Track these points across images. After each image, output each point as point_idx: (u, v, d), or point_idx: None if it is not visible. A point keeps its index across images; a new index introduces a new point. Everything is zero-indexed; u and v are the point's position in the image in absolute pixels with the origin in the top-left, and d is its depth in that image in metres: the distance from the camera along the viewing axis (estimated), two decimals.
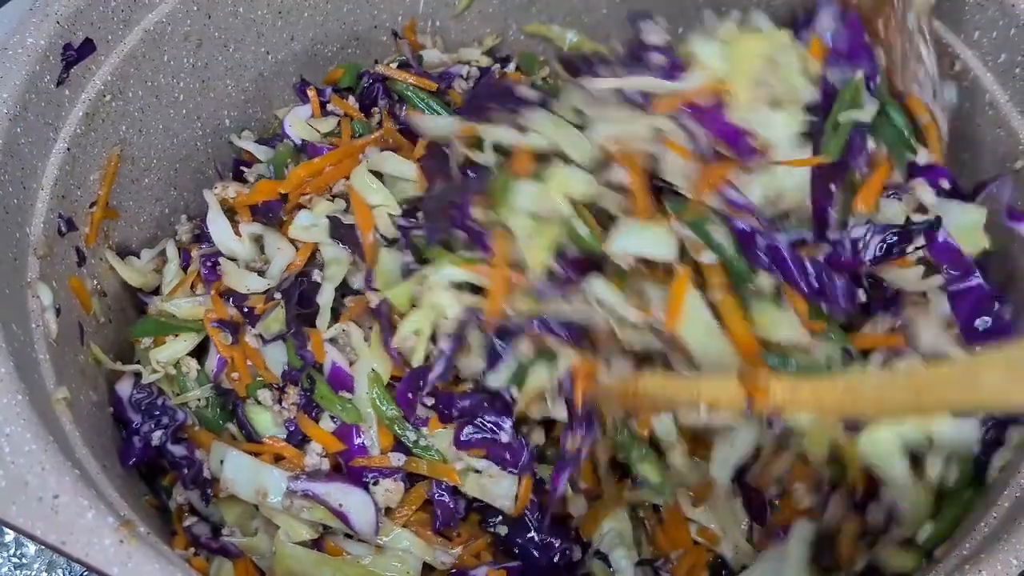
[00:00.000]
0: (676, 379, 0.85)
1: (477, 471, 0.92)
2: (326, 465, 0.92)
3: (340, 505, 0.88)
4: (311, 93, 1.16)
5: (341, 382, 0.93)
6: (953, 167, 1.07)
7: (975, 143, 1.04)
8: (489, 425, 0.91)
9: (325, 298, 0.98)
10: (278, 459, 0.93)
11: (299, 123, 1.13)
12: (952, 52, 1.04)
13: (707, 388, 0.79)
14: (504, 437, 0.91)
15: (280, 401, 0.95)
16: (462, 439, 0.91)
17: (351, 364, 0.94)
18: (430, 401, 0.93)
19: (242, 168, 1.16)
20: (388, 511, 0.91)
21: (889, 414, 0.79)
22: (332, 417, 0.93)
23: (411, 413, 0.92)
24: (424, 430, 0.93)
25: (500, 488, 0.91)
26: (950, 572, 0.78)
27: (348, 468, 0.92)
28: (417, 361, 0.92)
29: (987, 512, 0.84)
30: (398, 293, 0.93)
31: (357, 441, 0.92)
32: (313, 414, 0.94)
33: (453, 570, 0.91)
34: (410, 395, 0.92)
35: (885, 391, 0.70)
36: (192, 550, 0.92)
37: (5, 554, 1.07)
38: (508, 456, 0.91)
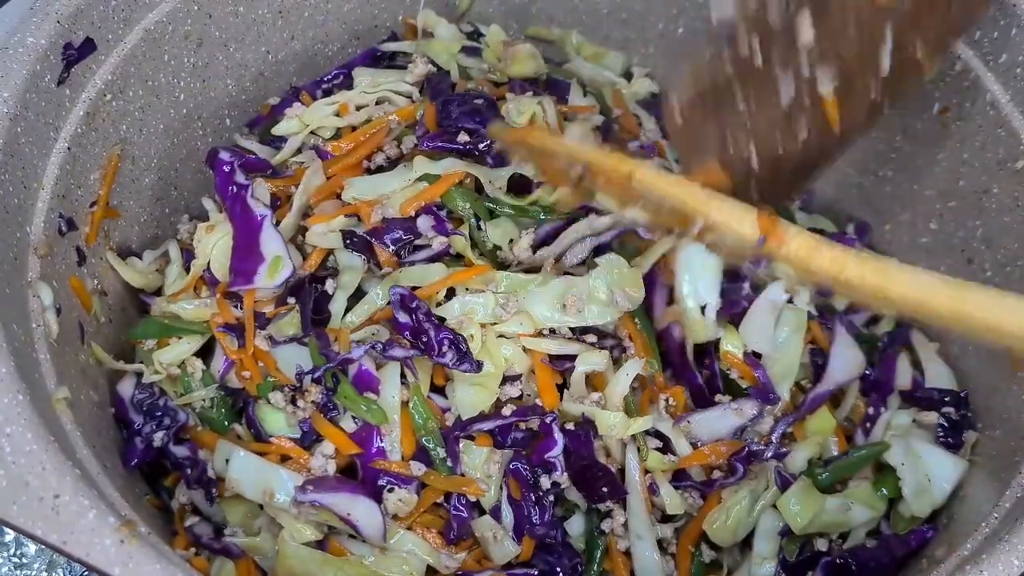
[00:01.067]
0: (679, 181, 0.78)
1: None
2: (332, 467, 0.91)
3: (348, 514, 0.88)
4: (305, 99, 1.15)
5: (367, 384, 0.93)
6: (953, 167, 1.07)
7: (975, 143, 1.04)
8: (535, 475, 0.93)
9: (337, 306, 0.97)
10: (284, 459, 0.93)
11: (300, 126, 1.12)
12: (953, 52, 1.04)
13: (719, 207, 0.74)
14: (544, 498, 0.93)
15: (294, 401, 0.95)
16: (510, 467, 0.92)
17: (378, 367, 0.94)
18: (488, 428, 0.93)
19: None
20: (396, 516, 0.91)
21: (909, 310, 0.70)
22: (354, 418, 0.93)
23: (454, 444, 0.92)
24: (461, 445, 0.93)
25: (502, 549, 0.91)
26: (951, 572, 0.78)
27: (364, 471, 0.92)
28: (485, 407, 0.93)
29: (988, 512, 0.85)
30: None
31: (377, 444, 0.91)
32: (330, 415, 0.94)
33: (458, 573, 0.91)
34: (456, 433, 0.92)
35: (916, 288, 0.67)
36: (193, 550, 0.92)
37: (5, 554, 1.07)
38: (528, 512, 0.92)
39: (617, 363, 0.97)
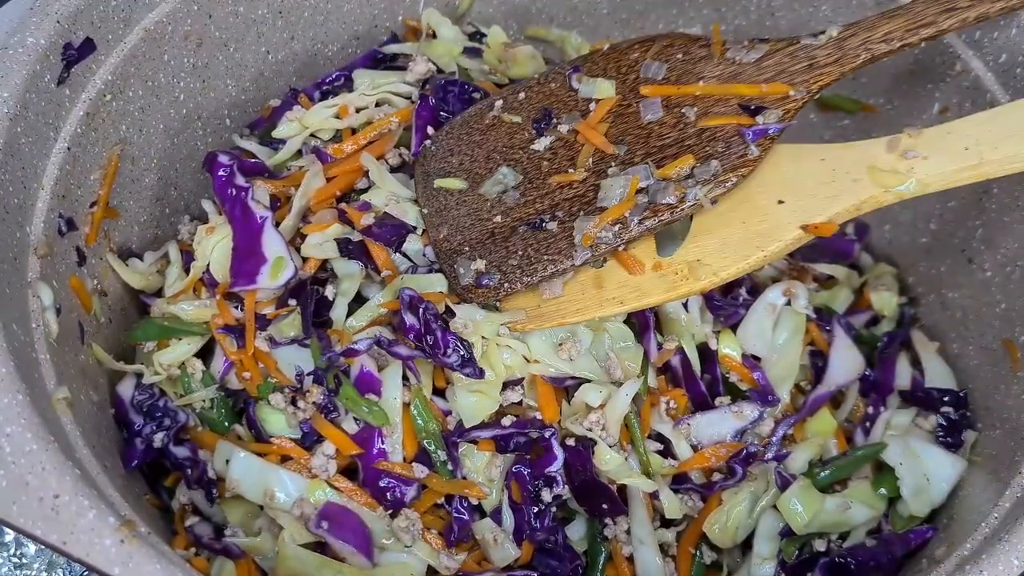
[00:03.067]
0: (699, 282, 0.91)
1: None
2: (333, 467, 0.92)
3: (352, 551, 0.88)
4: (304, 102, 1.14)
5: (368, 385, 0.93)
6: None
7: None
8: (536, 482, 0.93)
9: (338, 312, 0.97)
10: (284, 460, 0.93)
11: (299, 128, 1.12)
12: (953, 52, 1.04)
13: (767, 254, 0.89)
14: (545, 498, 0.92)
15: (295, 402, 0.95)
16: (512, 471, 0.92)
17: (380, 369, 0.94)
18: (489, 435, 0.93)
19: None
20: (394, 514, 0.91)
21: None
22: (355, 419, 0.93)
23: (453, 449, 0.92)
24: (462, 449, 0.93)
25: (502, 551, 0.91)
26: (951, 572, 0.78)
27: (366, 472, 0.92)
28: (487, 415, 0.93)
29: (988, 512, 0.85)
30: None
31: (379, 446, 0.91)
32: (331, 416, 0.94)
33: (459, 574, 0.91)
34: (455, 439, 0.92)
35: None
36: (193, 550, 0.92)
37: (5, 554, 1.07)
38: (528, 516, 0.92)
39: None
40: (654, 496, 0.95)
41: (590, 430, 0.93)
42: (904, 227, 1.18)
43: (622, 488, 0.95)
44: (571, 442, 0.93)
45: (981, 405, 1.04)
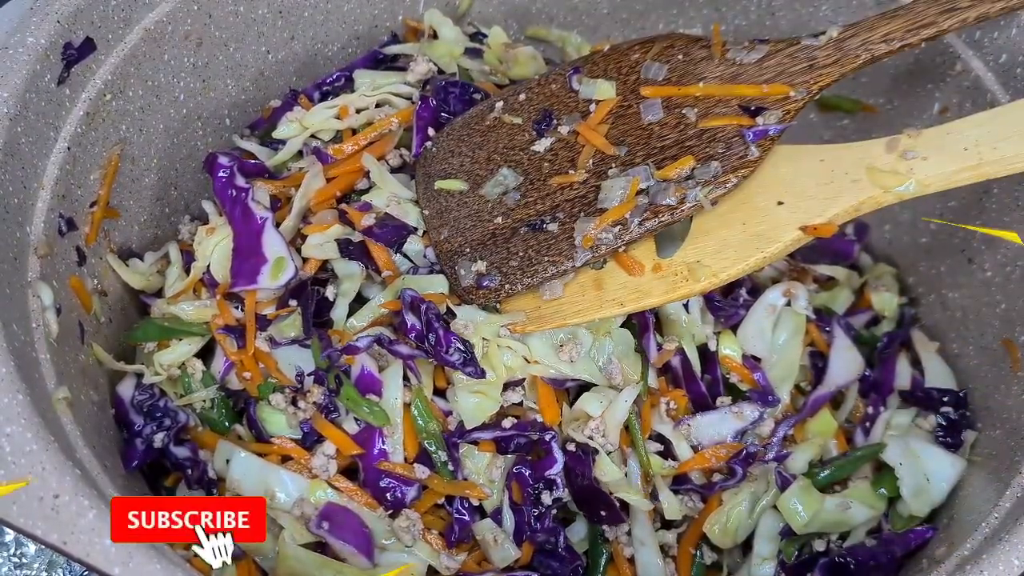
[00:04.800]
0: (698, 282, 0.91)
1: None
2: (333, 467, 0.92)
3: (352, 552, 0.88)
4: (304, 103, 1.14)
5: (369, 385, 0.93)
6: None
7: None
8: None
9: (339, 312, 0.97)
10: (285, 460, 0.93)
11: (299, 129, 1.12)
12: (953, 52, 1.04)
13: (765, 256, 0.89)
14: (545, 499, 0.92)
15: (295, 402, 0.95)
16: (513, 472, 0.92)
17: (381, 369, 0.94)
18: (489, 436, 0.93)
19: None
20: (395, 515, 0.91)
21: None
22: (356, 420, 0.93)
23: (454, 450, 0.92)
24: (463, 450, 0.93)
25: (502, 552, 0.91)
26: (951, 572, 0.79)
27: (367, 472, 0.92)
28: (488, 416, 0.92)
29: (988, 512, 0.85)
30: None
31: (379, 446, 0.91)
32: (332, 416, 0.94)
33: (459, 574, 0.91)
34: (456, 440, 0.92)
35: None
36: (193, 550, 0.92)
37: (5, 554, 1.06)
38: (528, 517, 0.92)
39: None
40: (654, 497, 0.95)
41: (591, 438, 0.92)
42: (904, 227, 1.18)
43: None
44: (571, 447, 0.93)
45: (981, 405, 1.04)
